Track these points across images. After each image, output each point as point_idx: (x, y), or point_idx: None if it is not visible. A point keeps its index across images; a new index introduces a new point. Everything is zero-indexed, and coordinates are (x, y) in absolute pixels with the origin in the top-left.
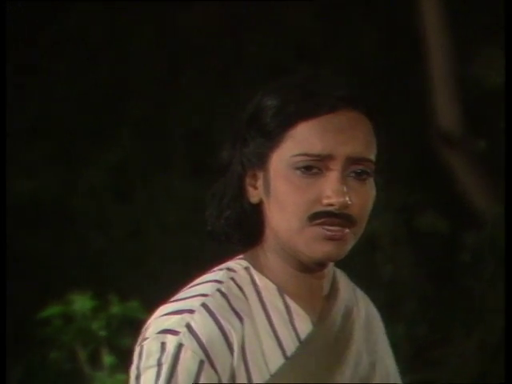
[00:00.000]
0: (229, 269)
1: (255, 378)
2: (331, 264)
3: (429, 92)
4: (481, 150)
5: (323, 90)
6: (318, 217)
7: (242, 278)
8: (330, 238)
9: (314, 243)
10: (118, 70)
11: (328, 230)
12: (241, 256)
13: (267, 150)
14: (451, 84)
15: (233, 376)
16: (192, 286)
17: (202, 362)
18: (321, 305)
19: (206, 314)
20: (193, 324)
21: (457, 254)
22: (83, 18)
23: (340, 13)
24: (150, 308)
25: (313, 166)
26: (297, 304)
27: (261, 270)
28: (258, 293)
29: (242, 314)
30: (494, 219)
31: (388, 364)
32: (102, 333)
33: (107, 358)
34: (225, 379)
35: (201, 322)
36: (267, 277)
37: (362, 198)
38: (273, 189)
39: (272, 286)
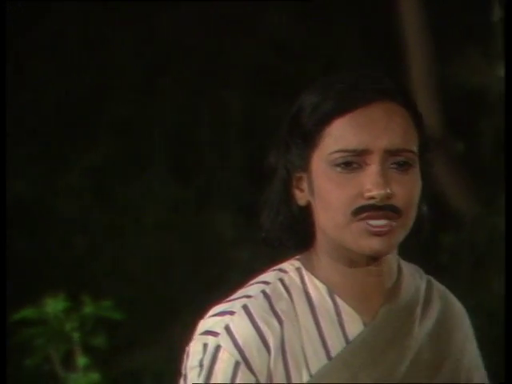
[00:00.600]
0: (281, 270)
1: (295, 379)
2: (392, 261)
3: None
4: (460, 152)
5: (357, 85)
6: (362, 211)
7: (292, 278)
8: (376, 234)
9: (360, 239)
10: (97, 71)
11: (373, 226)
12: (297, 257)
13: (308, 151)
14: (431, 85)
15: (270, 376)
16: (246, 287)
17: (237, 363)
18: (379, 303)
19: (245, 316)
20: (231, 325)
21: (435, 255)
22: (63, 18)
23: (321, 13)
24: (126, 308)
25: (352, 162)
26: (348, 304)
27: (312, 271)
28: (307, 293)
29: (282, 316)
30: (473, 220)
31: (463, 363)
32: (76, 334)
33: (81, 359)
34: (262, 379)
35: (239, 324)
36: (318, 277)
37: (405, 188)
38: (316, 188)
39: (322, 287)
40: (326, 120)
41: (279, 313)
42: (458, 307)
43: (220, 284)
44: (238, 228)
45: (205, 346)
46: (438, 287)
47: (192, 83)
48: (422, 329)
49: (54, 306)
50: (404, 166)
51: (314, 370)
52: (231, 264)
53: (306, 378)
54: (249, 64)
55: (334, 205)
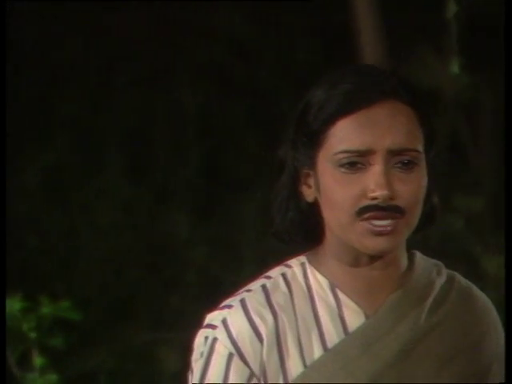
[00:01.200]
0: (286, 265)
1: (290, 369)
2: (399, 254)
3: None
4: None
5: (362, 85)
6: (365, 211)
7: (295, 273)
8: (380, 233)
9: (364, 239)
10: (51, 71)
11: (377, 226)
12: (305, 253)
13: (313, 150)
14: None
15: (263, 367)
16: (253, 282)
17: (231, 355)
18: (385, 297)
19: (240, 310)
20: (228, 319)
21: None
22: (16, 17)
23: (274, 12)
24: (81, 308)
25: (356, 162)
26: (349, 298)
27: (316, 266)
28: (308, 287)
29: (277, 308)
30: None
31: (478, 359)
32: (33, 334)
33: (38, 360)
34: (256, 370)
35: (234, 317)
36: (321, 272)
37: (410, 187)
38: (322, 187)
39: (323, 281)
40: (330, 121)
41: (275, 306)
42: (481, 303)
43: (175, 284)
44: (193, 228)
45: (206, 338)
46: (461, 283)
47: (147, 82)
48: (430, 322)
49: (10, 305)
50: (408, 165)
51: (309, 361)
52: (186, 264)
53: (300, 369)
54: (204, 63)
55: (338, 204)
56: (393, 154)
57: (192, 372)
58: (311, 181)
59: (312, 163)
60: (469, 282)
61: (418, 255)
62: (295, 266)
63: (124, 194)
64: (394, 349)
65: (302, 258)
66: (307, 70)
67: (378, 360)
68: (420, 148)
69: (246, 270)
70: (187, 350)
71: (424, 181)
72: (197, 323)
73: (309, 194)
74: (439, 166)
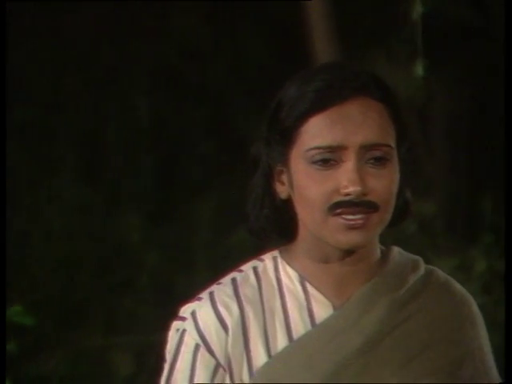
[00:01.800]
0: (259, 259)
1: (255, 360)
2: (371, 249)
3: None
4: None
5: (333, 82)
6: (337, 207)
7: (266, 266)
8: (352, 227)
9: (337, 233)
10: (1, 73)
11: (349, 220)
12: (280, 248)
13: (286, 148)
14: None
15: (228, 357)
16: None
17: (197, 346)
18: (355, 291)
19: (208, 302)
20: (197, 311)
21: None
22: None
23: (227, 16)
24: (35, 313)
25: (328, 158)
26: (318, 291)
27: (288, 260)
28: (279, 280)
29: (244, 301)
30: None
31: (453, 351)
32: None
33: None
34: (222, 360)
35: (202, 309)
36: (292, 266)
37: (382, 183)
38: (295, 184)
39: (293, 274)
40: (302, 118)
41: (242, 298)
42: (459, 298)
43: (127, 287)
44: (145, 231)
45: (177, 330)
46: (439, 278)
47: (99, 85)
48: (399, 316)
49: None
50: (381, 161)
51: (274, 352)
52: (139, 268)
53: (265, 360)
54: (156, 67)
55: (311, 201)
56: (365, 149)
57: (165, 364)
58: (284, 178)
59: (285, 160)
60: (449, 278)
61: (396, 250)
62: (267, 259)
63: (77, 197)
64: (358, 341)
65: (275, 253)
66: (260, 73)
67: (341, 352)
68: (392, 143)
69: (199, 273)
70: (140, 353)
71: (396, 176)
72: (149, 326)
73: (282, 190)
74: (410, 163)
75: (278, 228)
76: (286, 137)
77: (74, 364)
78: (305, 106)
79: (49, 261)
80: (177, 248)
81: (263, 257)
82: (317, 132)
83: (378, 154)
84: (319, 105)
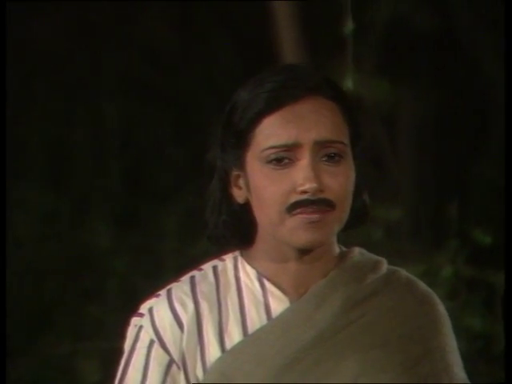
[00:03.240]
0: (220, 258)
1: (209, 355)
2: (329, 248)
3: None
4: None
5: (286, 83)
6: (295, 206)
7: (226, 265)
8: (309, 225)
9: (295, 232)
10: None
11: (307, 218)
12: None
13: (241, 150)
14: None
15: (182, 353)
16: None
17: (152, 342)
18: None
19: (165, 298)
20: (154, 307)
21: None
22: None
23: (196, 24)
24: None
25: (283, 157)
26: (276, 287)
27: (247, 260)
28: (237, 278)
29: (200, 297)
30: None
31: (409, 350)
32: None
33: None
34: (176, 356)
35: (159, 305)
36: (251, 265)
37: (338, 180)
38: (252, 186)
39: (251, 271)
40: (256, 119)
41: (198, 295)
42: (421, 298)
43: (96, 294)
44: (114, 238)
45: (135, 326)
46: (401, 279)
47: (66, 92)
48: (355, 313)
49: None
50: (335, 158)
51: (228, 347)
52: (107, 273)
53: (219, 355)
54: (125, 73)
55: (268, 201)
56: (319, 146)
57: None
58: (241, 182)
59: (241, 164)
60: (412, 278)
61: (357, 251)
62: (228, 259)
63: (43, 203)
64: (310, 335)
65: (236, 253)
66: (229, 80)
67: (293, 346)
68: (346, 141)
69: (167, 279)
70: (107, 360)
71: (352, 174)
72: (116, 333)
73: (239, 195)
74: (366, 163)
75: (237, 233)
76: (240, 139)
77: (40, 371)
78: (258, 107)
79: (14, 267)
80: (145, 254)
81: (224, 257)
82: (271, 132)
83: (332, 150)
84: (272, 105)
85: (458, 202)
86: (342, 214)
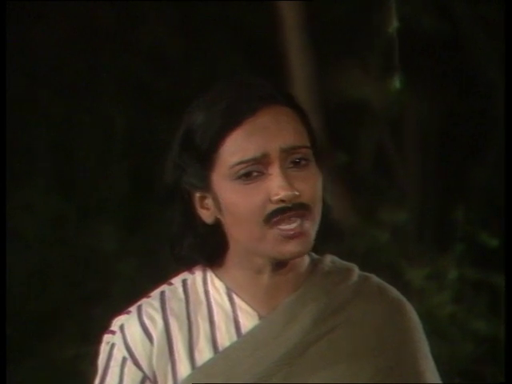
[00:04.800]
0: (190, 271)
1: (180, 372)
2: (300, 259)
3: None
4: (341, 164)
5: (240, 97)
6: (273, 216)
7: (195, 279)
8: (292, 237)
9: (279, 246)
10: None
11: (286, 230)
12: None
13: (206, 171)
14: (313, 101)
15: (153, 370)
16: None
17: (124, 359)
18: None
19: (135, 315)
20: (125, 324)
21: None
22: None
23: (201, 28)
24: (7, 322)
25: (252, 171)
26: (244, 302)
27: (217, 273)
28: (207, 293)
29: (170, 314)
30: (352, 231)
31: (384, 357)
32: None
33: None
34: (149, 373)
35: (129, 322)
36: (220, 278)
37: (309, 183)
38: (224, 205)
39: (221, 286)
40: (218, 138)
41: (168, 311)
42: (391, 305)
43: (101, 297)
44: (120, 241)
45: (107, 343)
46: (372, 287)
47: (71, 95)
48: (325, 326)
49: None
50: (301, 163)
51: (199, 364)
52: (113, 277)
53: (189, 371)
54: (128, 77)
55: (244, 217)
56: (286, 153)
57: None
58: (208, 202)
59: (206, 185)
60: (383, 285)
61: (328, 259)
62: (197, 272)
63: (49, 207)
64: (279, 353)
65: (207, 266)
66: None
67: (262, 364)
68: (308, 144)
69: None
70: None
71: (319, 176)
72: None
73: (208, 216)
74: (328, 164)
75: (204, 254)
76: (204, 161)
77: (46, 374)
78: (218, 125)
79: (21, 271)
80: (151, 257)
81: (194, 269)
82: (236, 148)
83: (298, 156)
84: (232, 121)
85: (464, 204)
86: (317, 215)
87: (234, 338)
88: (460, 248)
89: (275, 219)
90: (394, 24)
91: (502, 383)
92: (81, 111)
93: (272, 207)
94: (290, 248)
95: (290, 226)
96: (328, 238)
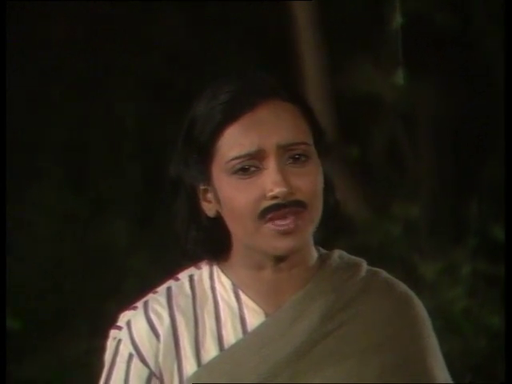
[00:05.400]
0: (197, 266)
1: (186, 369)
2: (306, 253)
3: None
4: (353, 158)
5: (241, 91)
6: (267, 212)
7: (202, 274)
8: (286, 233)
9: (272, 241)
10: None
11: (280, 225)
12: None
13: (205, 164)
14: (326, 95)
15: (159, 366)
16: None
17: (131, 356)
18: (289, 298)
19: (142, 311)
20: (131, 320)
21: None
22: None
23: (214, 25)
24: (19, 318)
25: (249, 166)
26: (251, 299)
27: (223, 268)
28: (213, 289)
29: (176, 311)
30: (365, 226)
31: (393, 352)
32: None
33: None
34: (155, 370)
35: (136, 318)
36: (226, 274)
37: (306, 180)
38: (222, 198)
39: (227, 282)
40: (217, 131)
41: (174, 308)
42: (399, 301)
43: (114, 293)
44: (132, 236)
45: (114, 339)
46: (380, 282)
47: (85, 93)
48: (333, 323)
49: None
50: (300, 159)
51: (205, 362)
52: (126, 272)
53: (195, 368)
54: (142, 74)
55: (239, 211)
56: (283, 149)
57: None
58: (210, 196)
59: (207, 178)
60: (391, 280)
61: (336, 254)
62: (204, 267)
63: (62, 203)
64: (286, 351)
65: (214, 262)
66: None
67: (268, 362)
68: (309, 141)
69: None
70: None
71: (319, 173)
72: None
73: (209, 208)
74: (333, 160)
75: (208, 248)
76: (203, 154)
77: (59, 369)
78: (216, 119)
79: (34, 266)
80: (162, 252)
81: (201, 264)
82: (233, 142)
83: (296, 152)
84: (230, 115)
85: (477, 199)
86: (315, 213)
87: (240, 335)
88: (473, 242)
89: (269, 215)
90: (397, 19)
91: (502, 383)
92: (94, 108)
93: (266, 203)
94: (283, 244)
95: (284, 222)
96: (340, 232)
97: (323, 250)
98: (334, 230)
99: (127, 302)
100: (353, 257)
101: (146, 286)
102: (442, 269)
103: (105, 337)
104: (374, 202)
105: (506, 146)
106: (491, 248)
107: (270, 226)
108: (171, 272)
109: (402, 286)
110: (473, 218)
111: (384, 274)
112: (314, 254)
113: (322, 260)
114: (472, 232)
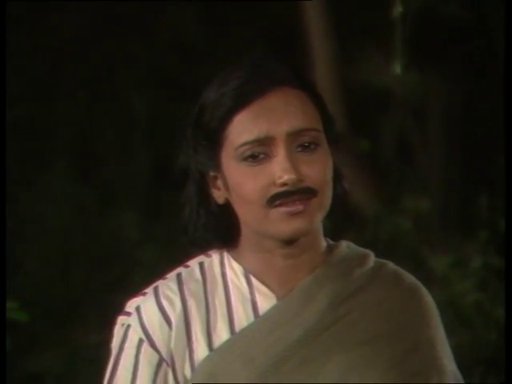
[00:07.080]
0: (207, 254)
1: (197, 354)
2: (314, 241)
3: None
4: (363, 151)
5: (251, 78)
6: (276, 199)
7: (213, 261)
8: (293, 214)
9: (280, 224)
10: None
11: (289, 207)
12: None
13: (215, 151)
14: (335, 87)
15: (171, 353)
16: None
17: (141, 341)
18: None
19: (152, 297)
20: (141, 306)
21: None
22: None
23: (222, 14)
24: (30, 309)
25: (258, 153)
26: (262, 283)
27: (233, 255)
28: (224, 275)
29: (187, 295)
30: (375, 219)
31: (400, 342)
32: None
33: None
34: (165, 355)
35: (146, 304)
36: (237, 260)
37: (316, 167)
38: (231, 185)
39: (238, 268)
40: (226, 117)
41: (185, 293)
42: (408, 290)
43: (123, 284)
44: (142, 228)
45: (122, 325)
46: (388, 272)
47: (93, 83)
48: (341, 309)
49: None
50: (310, 147)
51: (216, 346)
52: (135, 264)
53: (207, 353)
54: (151, 65)
55: (249, 198)
56: (293, 137)
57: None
58: (219, 183)
59: (216, 165)
60: (399, 271)
61: (344, 245)
62: (214, 255)
63: (72, 195)
64: (297, 333)
65: (224, 249)
66: None
67: (280, 344)
68: (319, 127)
69: None
70: None
71: (329, 160)
72: None
73: (219, 195)
74: (343, 149)
75: (218, 235)
76: (213, 140)
77: (69, 361)
78: (226, 105)
79: (43, 258)
80: (172, 244)
81: (211, 252)
82: (242, 128)
83: (306, 139)
84: (240, 101)
85: (488, 192)
86: (325, 199)
87: (251, 319)
88: (484, 235)
89: (278, 202)
90: (398, 9)
91: (502, 383)
92: (104, 100)
93: (275, 190)
94: (291, 226)
95: (292, 208)
96: (351, 225)
97: (331, 241)
98: (341, 219)
99: (136, 294)
100: (360, 248)
101: (155, 277)
102: (452, 262)
103: (113, 328)
104: (384, 196)
105: (506, 145)
106: (502, 241)
107: (278, 209)
108: (180, 264)
109: (410, 277)
110: (483, 211)
111: (392, 265)
112: (322, 242)
113: (330, 249)
114: (482, 225)
